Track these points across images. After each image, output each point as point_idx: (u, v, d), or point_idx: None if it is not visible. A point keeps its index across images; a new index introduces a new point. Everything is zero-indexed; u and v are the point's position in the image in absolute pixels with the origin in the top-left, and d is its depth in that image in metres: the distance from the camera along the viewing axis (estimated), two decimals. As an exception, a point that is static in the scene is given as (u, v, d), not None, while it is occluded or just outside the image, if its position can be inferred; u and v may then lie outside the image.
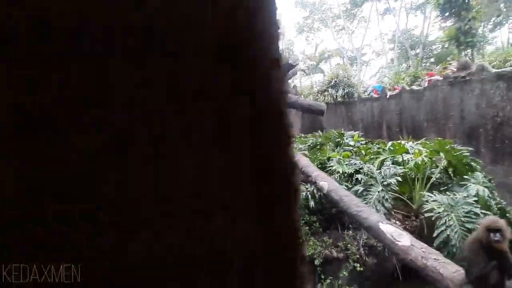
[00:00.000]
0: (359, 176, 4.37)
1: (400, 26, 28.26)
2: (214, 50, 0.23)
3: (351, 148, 6.42)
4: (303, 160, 4.94)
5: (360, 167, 4.47)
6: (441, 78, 8.05)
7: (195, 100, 0.23)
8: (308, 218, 4.75)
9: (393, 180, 3.95)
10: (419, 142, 5.06)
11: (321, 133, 7.89)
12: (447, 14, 10.96)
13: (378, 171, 4.19)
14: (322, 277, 4.29)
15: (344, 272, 4.27)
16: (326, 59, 19.52)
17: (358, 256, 4.38)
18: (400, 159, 4.50)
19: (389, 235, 2.59)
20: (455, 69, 8.09)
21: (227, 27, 0.23)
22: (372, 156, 4.79)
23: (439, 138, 4.86)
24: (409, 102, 9.31)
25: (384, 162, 4.47)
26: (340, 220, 4.87)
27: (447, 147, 4.23)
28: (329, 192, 3.49)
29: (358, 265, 4.26)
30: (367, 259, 4.44)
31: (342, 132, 7.02)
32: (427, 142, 4.95)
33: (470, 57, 10.90)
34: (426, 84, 8.89)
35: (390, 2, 26.72)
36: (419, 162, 4.07)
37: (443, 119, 7.95)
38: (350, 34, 32.34)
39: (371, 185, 3.99)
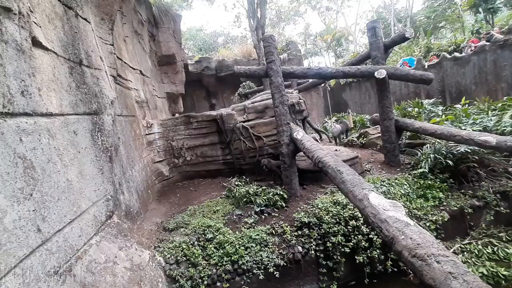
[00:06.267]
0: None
1: (379, 2, 28.98)
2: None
3: (436, 114, 6.98)
4: (431, 126, 5.39)
5: (487, 124, 5.00)
6: (489, 43, 8.75)
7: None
8: (441, 176, 5.28)
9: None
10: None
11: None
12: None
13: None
14: (471, 223, 4.88)
15: (491, 217, 4.87)
16: (338, 39, 19.95)
17: (495, 202, 4.98)
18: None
19: None
20: (497, 34, 8.84)
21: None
22: (497, 112, 5.37)
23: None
24: (452, 69, 10.04)
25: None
26: (465, 174, 5.43)
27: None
28: (503, 143, 3.99)
29: (502, 208, 4.86)
30: (501, 203, 5.04)
31: (421, 101, 7.55)
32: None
33: (489, 22, 11.81)
34: (469, 51, 9.60)
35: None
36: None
37: (494, 81, 8.72)
38: (336, 14, 32.98)
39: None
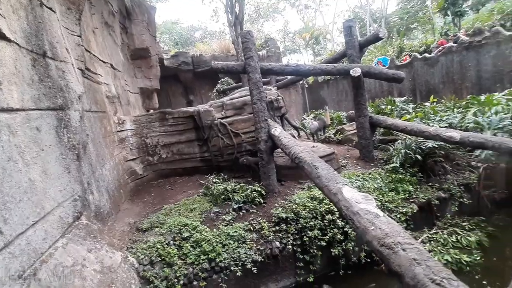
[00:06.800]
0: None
1: (356, 2, 29.72)
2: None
3: (407, 111, 7.31)
4: (402, 123, 5.62)
5: (453, 121, 5.31)
6: (455, 44, 9.27)
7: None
8: (411, 170, 5.53)
9: (507, 122, 4.88)
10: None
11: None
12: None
13: (481, 119, 5.09)
14: (438, 214, 5.17)
15: (455, 207, 5.19)
16: (316, 37, 20.25)
17: (459, 194, 5.32)
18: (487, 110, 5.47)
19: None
20: (463, 36, 9.40)
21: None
22: (462, 110, 5.70)
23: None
24: (423, 68, 10.54)
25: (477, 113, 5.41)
26: (432, 168, 5.74)
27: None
28: (466, 138, 4.25)
29: (465, 200, 5.20)
30: (464, 194, 5.39)
31: (393, 99, 7.86)
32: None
33: (457, 25, 12.53)
34: (436, 51, 10.12)
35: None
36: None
37: (460, 80, 9.27)
38: (315, 12, 33.48)
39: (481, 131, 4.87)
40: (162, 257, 3.59)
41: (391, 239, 1.52)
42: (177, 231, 4.06)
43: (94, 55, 5.14)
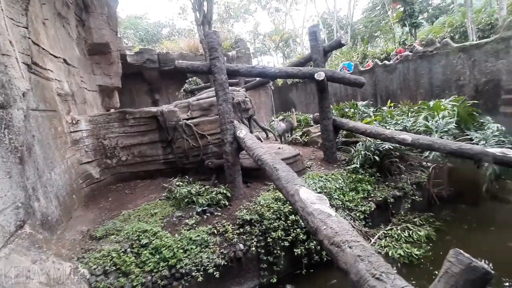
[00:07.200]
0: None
1: (324, 9, 30.90)
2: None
3: (368, 115, 7.70)
4: (362, 125, 5.90)
5: (407, 124, 5.71)
6: (411, 53, 9.98)
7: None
8: (370, 170, 5.83)
9: (451, 126, 5.32)
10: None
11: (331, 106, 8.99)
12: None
13: (430, 123, 5.51)
14: (393, 211, 5.50)
15: (408, 205, 5.56)
16: (286, 40, 20.60)
17: (412, 192, 5.71)
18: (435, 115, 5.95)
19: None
20: (418, 46, 10.17)
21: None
22: (414, 114, 6.12)
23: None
24: (383, 74, 11.21)
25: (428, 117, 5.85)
26: (389, 168, 6.10)
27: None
28: (416, 141, 4.58)
29: (417, 197, 5.60)
30: (416, 192, 5.79)
31: (356, 102, 8.24)
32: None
33: (413, 35, 13.53)
34: (395, 59, 10.82)
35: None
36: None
37: (415, 87, 9.99)
38: (285, 16, 34.15)
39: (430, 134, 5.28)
40: (118, 266, 3.38)
41: (339, 237, 1.56)
42: (135, 238, 3.85)
43: (43, 49, 4.72)
